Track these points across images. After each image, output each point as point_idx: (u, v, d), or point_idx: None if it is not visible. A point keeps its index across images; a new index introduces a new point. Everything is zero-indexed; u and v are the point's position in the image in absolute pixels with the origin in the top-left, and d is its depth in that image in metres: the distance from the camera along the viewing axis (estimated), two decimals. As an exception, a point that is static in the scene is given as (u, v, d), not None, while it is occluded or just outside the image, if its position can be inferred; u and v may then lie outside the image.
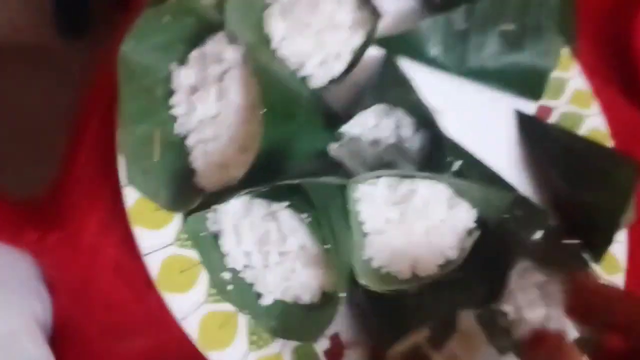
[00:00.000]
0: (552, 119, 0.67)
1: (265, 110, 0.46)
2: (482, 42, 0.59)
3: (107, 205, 0.54)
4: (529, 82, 0.62)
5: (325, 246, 0.46)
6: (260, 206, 0.49)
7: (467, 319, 0.56)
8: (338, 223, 0.49)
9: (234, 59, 0.49)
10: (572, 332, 0.57)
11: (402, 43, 0.57)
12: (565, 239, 0.60)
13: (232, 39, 0.50)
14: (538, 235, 0.60)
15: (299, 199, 0.47)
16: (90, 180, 0.56)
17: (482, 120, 0.62)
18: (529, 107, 0.64)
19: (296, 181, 0.45)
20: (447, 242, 0.52)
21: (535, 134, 0.64)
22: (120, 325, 0.59)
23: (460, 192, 0.52)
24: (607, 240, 0.57)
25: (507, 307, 0.60)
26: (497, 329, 0.60)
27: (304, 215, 0.46)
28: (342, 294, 0.47)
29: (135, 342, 0.58)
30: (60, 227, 0.55)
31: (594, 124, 0.68)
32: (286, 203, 0.46)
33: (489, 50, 0.60)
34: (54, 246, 0.55)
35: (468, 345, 0.60)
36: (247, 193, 0.46)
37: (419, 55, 0.58)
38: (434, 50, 0.58)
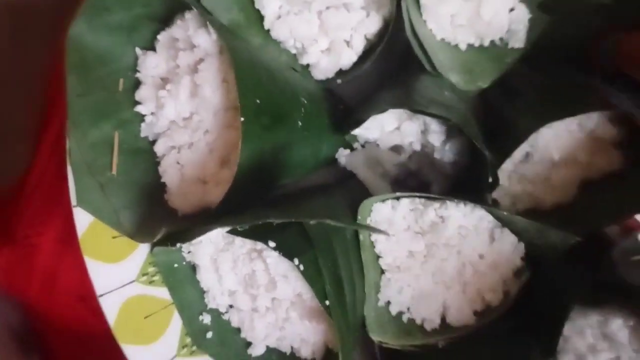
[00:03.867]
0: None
1: (244, 114, 0.34)
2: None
3: (66, 220, 0.44)
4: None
5: (326, 302, 0.35)
6: (244, 240, 0.37)
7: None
8: (346, 262, 0.38)
9: (209, 45, 0.37)
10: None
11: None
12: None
13: (206, 20, 0.37)
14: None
15: (290, 235, 0.35)
16: (46, 192, 0.47)
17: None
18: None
19: (281, 220, 0.33)
20: (487, 283, 0.41)
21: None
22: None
23: (506, 223, 0.40)
24: None
25: (567, 358, 0.49)
26: None
27: (296, 262, 0.35)
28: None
29: None
30: (11, 244, 0.46)
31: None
32: (273, 244, 0.35)
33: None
34: (5, 267, 0.46)
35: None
36: (225, 231, 0.35)
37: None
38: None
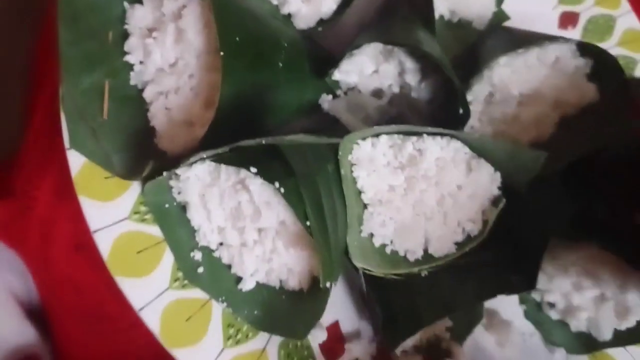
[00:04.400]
0: (580, 25, 0.57)
1: (223, 49, 0.36)
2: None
3: (61, 173, 0.46)
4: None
5: (307, 223, 0.36)
6: (228, 173, 0.39)
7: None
8: (328, 194, 0.39)
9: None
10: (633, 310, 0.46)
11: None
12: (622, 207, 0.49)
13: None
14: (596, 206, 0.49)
15: (271, 163, 0.37)
16: (43, 145, 0.48)
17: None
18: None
19: (265, 141, 0.35)
20: (466, 213, 0.42)
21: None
22: (93, 311, 0.51)
23: (481, 152, 0.42)
24: None
25: (552, 297, 0.50)
26: (549, 324, 0.50)
27: (276, 185, 0.36)
28: (329, 283, 0.37)
29: (112, 333, 0.51)
30: (10, 197, 0.48)
31: (627, 23, 0.58)
32: (254, 170, 0.36)
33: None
34: (5, 217, 0.48)
35: (499, 338, 0.50)
36: (207, 157, 0.37)
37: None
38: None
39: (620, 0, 0.58)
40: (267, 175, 0.36)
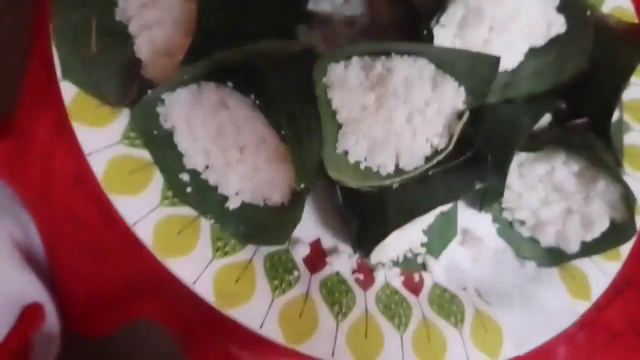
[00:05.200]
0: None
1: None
2: None
3: (57, 110, 0.49)
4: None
5: (282, 132, 0.39)
6: (209, 93, 0.42)
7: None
8: (302, 110, 0.42)
9: None
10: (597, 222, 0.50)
11: None
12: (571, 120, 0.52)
13: None
14: (546, 120, 0.52)
15: (248, 80, 0.40)
16: (40, 86, 0.51)
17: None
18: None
19: (241, 51, 0.38)
20: (433, 128, 0.45)
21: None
22: (94, 245, 0.55)
23: (444, 66, 0.44)
24: (610, 113, 0.48)
25: (522, 214, 0.54)
26: (521, 240, 0.54)
27: (252, 97, 0.39)
28: (303, 186, 0.40)
29: (115, 265, 0.55)
30: (9, 135, 0.51)
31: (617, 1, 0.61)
32: (231, 84, 0.39)
33: None
34: (5, 156, 0.51)
35: (473, 253, 0.53)
36: (186, 75, 0.40)
37: None
38: None
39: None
40: (243, 89, 0.39)
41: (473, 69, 0.43)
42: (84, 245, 0.54)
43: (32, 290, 0.55)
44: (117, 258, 0.52)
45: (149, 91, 0.41)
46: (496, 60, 0.42)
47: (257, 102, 0.39)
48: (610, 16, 0.57)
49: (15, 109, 0.52)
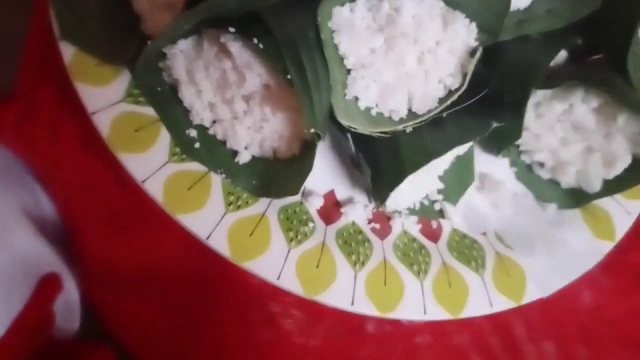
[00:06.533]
0: None
1: None
2: None
3: (59, 72, 0.48)
4: None
5: (288, 77, 0.38)
6: (210, 41, 0.41)
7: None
8: (309, 56, 0.41)
9: None
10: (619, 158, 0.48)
11: None
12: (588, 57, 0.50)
13: None
14: (562, 56, 0.50)
15: (251, 25, 0.39)
16: (43, 53, 0.50)
17: None
18: None
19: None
20: (446, 68, 0.43)
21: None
22: (111, 212, 0.54)
23: (453, 3, 0.42)
24: (627, 48, 0.46)
25: (541, 156, 0.52)
26: (541, 183, 0.52)
27: (255, 41, 0.38)
28: (313, 131, 0.39)
29: (133, 232, 0.54)
30: (15, 103, 0.50)
31: None
32: (233, 29, 0.38)
33: None
34: (12, 124, 0.51)
35: (493, 198, 0.52)
36: (187, 23, 0.38)
37: None
38: None
39: None
40: (246, 32, 0.38)
41: (483, 3, 0.41)
42: (96, 213, 0.54)
43: (48, 259, 0.55)
44: (129, 225, 0.52)
45: (149, 42, 0.40)
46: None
47: (261, 45, 0.38)
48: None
49: (18, 75, 0.51)
